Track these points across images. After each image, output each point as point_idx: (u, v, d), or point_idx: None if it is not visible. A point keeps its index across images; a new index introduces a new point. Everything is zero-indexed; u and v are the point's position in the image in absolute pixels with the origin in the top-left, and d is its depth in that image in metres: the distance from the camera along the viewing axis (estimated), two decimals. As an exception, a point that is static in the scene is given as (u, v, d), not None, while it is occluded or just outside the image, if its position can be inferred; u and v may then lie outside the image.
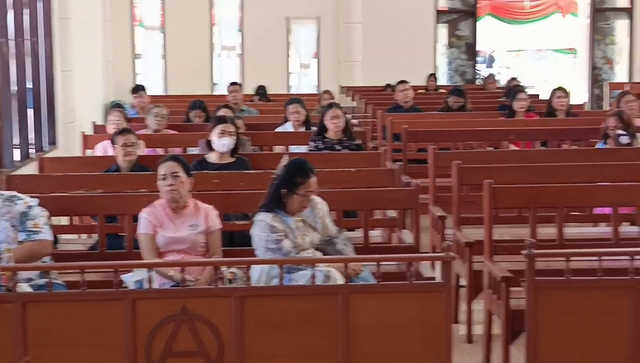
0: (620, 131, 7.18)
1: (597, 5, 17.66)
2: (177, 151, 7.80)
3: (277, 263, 4.34)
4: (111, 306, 4.00)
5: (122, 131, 6.62)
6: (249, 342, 4.02)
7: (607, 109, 11.64)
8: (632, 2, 17.48)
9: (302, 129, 8.61)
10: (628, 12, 17.58)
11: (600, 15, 17.75)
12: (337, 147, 7.53)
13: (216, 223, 5.04)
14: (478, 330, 5.40)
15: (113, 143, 6.60)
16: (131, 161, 6.44)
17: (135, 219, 5.16)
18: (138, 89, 10.78)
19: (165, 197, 5.01)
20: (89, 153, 8.19)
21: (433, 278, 4.62)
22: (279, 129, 8.70)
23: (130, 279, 4.69)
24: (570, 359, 4.19)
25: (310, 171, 4.78)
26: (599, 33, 17.78)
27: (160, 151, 7.81)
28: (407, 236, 5.56)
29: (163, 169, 5.03)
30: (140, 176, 6.02)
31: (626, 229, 5.85)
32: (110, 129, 7.91)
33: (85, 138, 8.36)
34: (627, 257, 4.20)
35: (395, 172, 6.09)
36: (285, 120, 8.84)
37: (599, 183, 5.87)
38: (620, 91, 9.77)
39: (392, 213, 5.85)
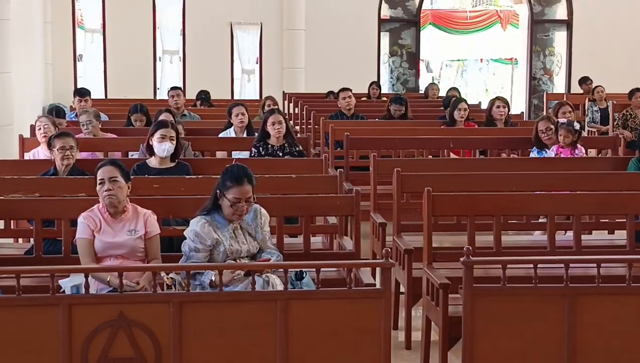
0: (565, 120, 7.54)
1: (537, 17, 17.95)
2: (117, 155, 7.72)
3: (216, 268, 4.33)
4: (47, 312, 3.94)
5: (60, 135, 6.52)
6: (187, 348, 4.00)
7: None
8: (570, 15, 17.82)
9: (245, 135, 8.61)
10: (567, 24, 17.92)
11: (540, 26, 18.05)
12: (279, 153, 7.54)
13: (155, 228, 5.00)
14: (417, 336, 5.44)
15: (51, 146, 6.51)
16: (69, 165, 6.35)
17: (72, 223, 5.09)
18: (84, 94, 10.55)
19: (104, 202, 4.95)
20: (27, 156, 8.05)
21: (373, 285, 4.64)
22: (222, 135, 8.68)
23: (67, 284, 4.62)
24: (507, 365, 4.25)
25: (244, 178, 4.71)
26: (538, 44, 18.08)
27: (100, 155, 7.71)
28: (348, 243, 5.58)
29: (101, 173, 4.96)
30: (78, 180, 5.94)
31: (562, 237, 5.95)
32: (39, 136, 7.75)
33: (23, 140, 8.21)
34: (562, 265, 4.27)
35: (337, 179, 6.11)
36: (228, 125, 8.82)
37: (535, 192, 5.97)
38: (557, 101, 9.95)
39: (333, 220, 5.87)
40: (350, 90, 10.87)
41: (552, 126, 7.60)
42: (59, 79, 15.78)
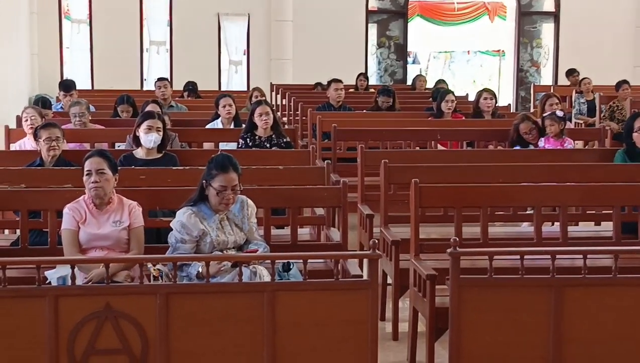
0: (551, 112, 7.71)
1: (524, 8, 17.99)
2: (104, 146, 7.69)
3: (203, 260, 4.32)
4: (33, 303, 3.93)
5: (46, 125, 6.49)
6: (174, 339, 3.99)
7: (532, 111, 11.89)
8: (557, 7, 17.85)
9: (232, 126, 8.60)
10: (554, 16, 17.95)
11: (527, 18, 18.09)
12: (267, 144, 7.53)
13: (139, 220, 4.97)
14: (404, 327, 5.44)
15: (37, 137, 6.48)
16: (55, 156, 6.32)
17: (59, 215, 5.07)
18: (69, 88, 10.49)
19: (89, 193, 4.92)
20: (13, 147, 8.01)
21: (360, 276, 4.64)
22: (209, 126, 8.67)
23: (53, 275, 4.60)
24: (493, 356, 4.25)
25: (229, 166, 4.71)
26: (525, 36, 18.12)
27: (86, 146, 7.68)
28: (335, 234, 5.58)
29: (89, 165, 4.94)
30: (65, 171, 5.91)
31: (548, 229, 5.97)
32: (26, 127, 7.71)
33: (9, 131, 8.17)
34: (548, 256, 4.28)
35: (324, 170, 6.10)
36: (216, 116, 8.80)
37: (522, 183, 5.98)
38: (544, 93, 9.97)
39: (320, 211, 5.87)
40: (342, 82, 10.85)
41: (534, 125, 7.61)
42: (45, 70, 15.70)
